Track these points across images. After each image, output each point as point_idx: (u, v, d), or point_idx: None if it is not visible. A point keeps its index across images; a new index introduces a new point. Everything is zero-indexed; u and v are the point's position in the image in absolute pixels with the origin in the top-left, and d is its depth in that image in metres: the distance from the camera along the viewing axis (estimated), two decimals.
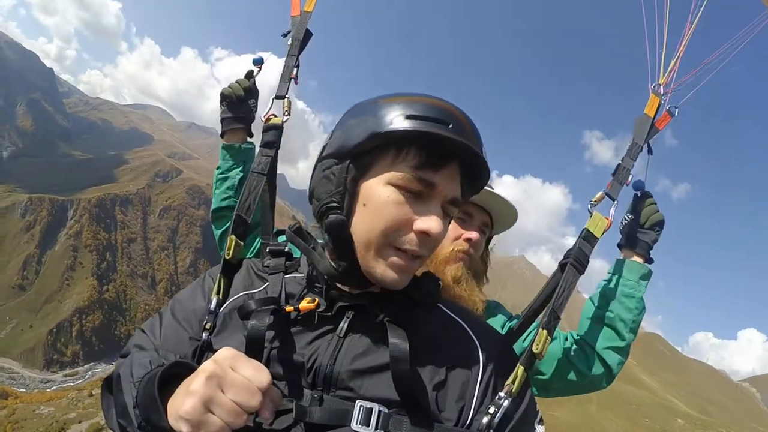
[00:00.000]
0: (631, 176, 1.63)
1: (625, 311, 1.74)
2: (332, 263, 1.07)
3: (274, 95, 1.63)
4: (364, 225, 1.00)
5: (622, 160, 1.65)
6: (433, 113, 0.96)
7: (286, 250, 1.24)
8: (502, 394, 1.07)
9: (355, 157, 1.01)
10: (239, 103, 1.95)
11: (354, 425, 0.94)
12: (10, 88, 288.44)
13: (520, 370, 1.13)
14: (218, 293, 1.18)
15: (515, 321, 1.74)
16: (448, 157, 0.99)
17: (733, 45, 1.75)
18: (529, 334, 1.66)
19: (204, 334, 1.11)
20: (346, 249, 1.02)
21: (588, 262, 1.44)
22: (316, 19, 1.75)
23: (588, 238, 1.48)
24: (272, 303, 1.05)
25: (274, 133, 1.52)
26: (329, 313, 1.07)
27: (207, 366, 0.85)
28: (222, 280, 1.21)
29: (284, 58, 1.70)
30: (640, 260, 1.78)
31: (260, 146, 1.52)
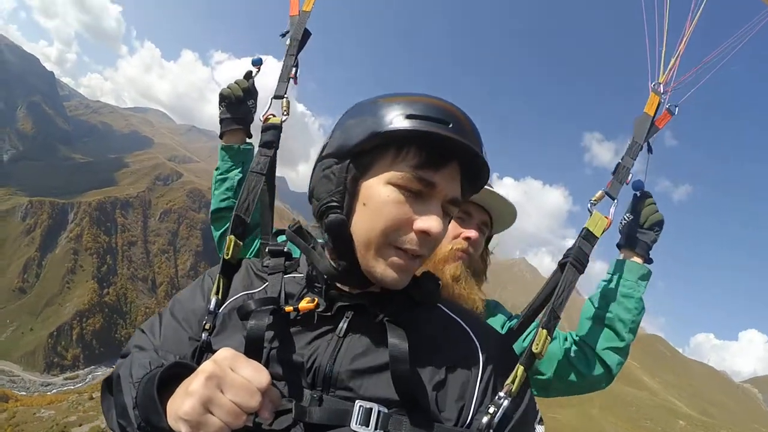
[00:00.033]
0: (631, 175, 1.63)
1: (624, 312, 1.74)
2: (332, 263, 1.07)
3: (272, 95, 1.63)
4: (364, 224, 1.00)
5: (622, 159, 1.65)
6: (433, 113, 0.96)
7: (285, 250, 1.24)
8: (501, 393, 1.07)
9: (355, 156, 1.00)
10: (238, 103, 1.95)
11: (353, 425, 0.94)
12: (11, 91, 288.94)
13: (520, 370, 1.13)
14: (217, 293, 1.18)
15: (515, 321, 1.73)
16: (448, 157, 0.99)
17: (733, 43, 1.75)
18: (528, 333, 1.66)
19: (203, 335, 1.11)
20: (346, 248, 1.02)
21: (588, 261, 1.44)
22: (315, 19, 1.75)
23: (588, 238, 1.48)
24: (271, 303, 1.05)
25: (273, 132, 1.53)
26: (329, 313, 1.06)
27: (206, 366, 0.85)
28: (221, 281, 1.21)
29: (283, 60, 1.70)
30: (639, 260, 1.78)
31: (259, 146, 1.52)
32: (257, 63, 1.96)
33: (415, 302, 1.12)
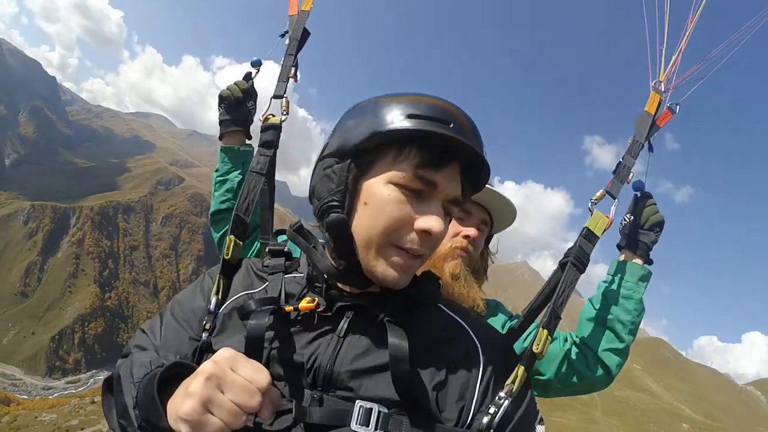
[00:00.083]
0: (632, 174, 1.62)
1: (624, 313, 1.73)
2: (333, 262, 1.07)
3: (272, 95, 1.62)
4: (365, 224, 0.99)
5: (622, 158, 1.64)
6: (434, 113, 0.96)
7: (285, 249, 1.24)
8: (502, 394, 1.06)
9: (356, 155, 1.00)
10: (238, 105, 1.94)
11: (354, 425, 0.93)
12: (13, 96, 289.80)
13: (520, 370, 1.13)
14: (217, 293, 1.18)
15: (516, 320, 1.73)
16: (449, 157, 0.99)
17: (736, 40, 1.73)
18: (529, 333, 1.65)
19: (204, 335, 1.11)
20: (346, 248, 1.02)
21: (588, 260, 1.42)
22: (317, 24, 1.74)
23: (589, 237, 1.47)
24: (272, 303, 1.05)
25: (273, 132, 1.52)
26: (329, 313, 1.06)
27: (206, 366, 0.84)
28: (221, 281, 1.21)
29: (282, 60, 1.70)
30: (639, 261, 1.77)
31: (258, 146, 1.51)
32: (256, 64, 1.95)
33: (415, 302, 1.11)
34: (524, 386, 1.12)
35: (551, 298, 1.35)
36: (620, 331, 1.73)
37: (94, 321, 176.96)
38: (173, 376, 0.92)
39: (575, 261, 1.40)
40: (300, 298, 1.09)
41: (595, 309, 1.79)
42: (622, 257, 1.82)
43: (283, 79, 1.65)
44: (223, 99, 1.94)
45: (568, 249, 1.45)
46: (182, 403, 0.82)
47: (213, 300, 1.17)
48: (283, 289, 1.12)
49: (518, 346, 1.63)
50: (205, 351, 1.10)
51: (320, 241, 1.13)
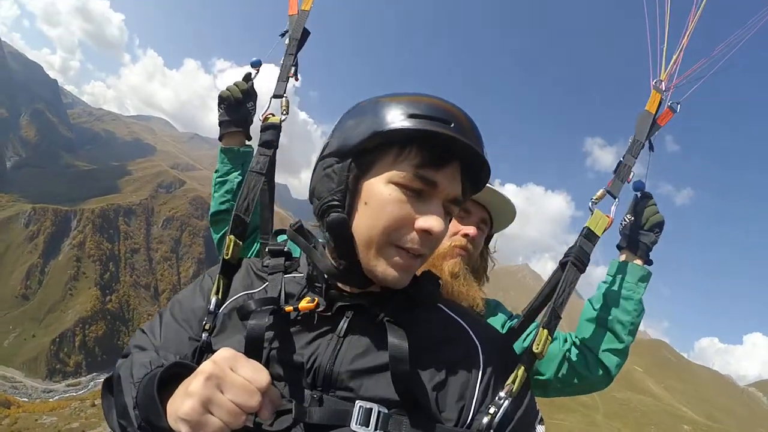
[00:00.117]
0: (632, 173, 1.62)
1: (623, 313, 1.72)
2: (333, 262, 1.07)
3: (272, 94, 1.62)
4: (365, 223, 0.99)
5: (623, 158, 1.64)
6: (435, 112, 0.96)
7: (285, 249, 1.24)
8: (502, 394, 1.06)
9: (356, 155, 1.01)
10: (237, 105, 1.93)
11: (353, 425, 0.93)
12: (14, 99, 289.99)
13: (520, 370, 1.13)
14: (217, 293, 1.18)
15: (516, 320, 1.73)
16: (449, 156, 0.99)
17: (737, 39, 1.73)
18: (529, 333, 1.65)
19: (203, 335, 1.11)
20: (347, 247, 1.02)
21: (589, 260, 1.42)
22: (315, 20, 1.75)
23: (589, 237, 1.46)
24: (271, 303, 1.05)
25: (272, 132, 1.52)
26: (329, 313, 1.06)
27: (206, 366, 0.84)
28: (221, 280, 1.21)
29: (282, 59, 1.70)
30: (639, 262, 1.76)
31: (258, 145, 1.51)
32: (256, 64, 1.93)
33: (415, 302, 1.11)
34: (524, 386, 1.12)
35: (551, 297, 1.34)
36: (620, 332, 1.72)
37: (95, 324, 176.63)
38: (173, 376, 0.92)
39: (575, 260, 1.39)
40: (300, 298, 1.09)
41: (594, 309, 1.78)
42: (622, 258, 1.81)
43: (283, 78, 1.64)
44: (222, 100, 1.93)
45: (569, 248, 1.45)
46: (182, 403, 0.82)
47: (213, 300, 1.17)
48: (282, 289, 1.12)
49: (518, 346, 1.62)
50: (204, 351, 1.10)
51: (320, 241, 1.13)
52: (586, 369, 1.75)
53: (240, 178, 1.98)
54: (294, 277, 1.17)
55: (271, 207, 1.62)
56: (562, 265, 1.42)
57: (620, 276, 1.77)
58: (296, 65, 1.68)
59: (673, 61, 1.74)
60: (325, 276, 1.08)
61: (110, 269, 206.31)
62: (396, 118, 0.96)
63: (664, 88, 1.72)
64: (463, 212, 1.91)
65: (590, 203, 1.54)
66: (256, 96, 1.97)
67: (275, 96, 1.61)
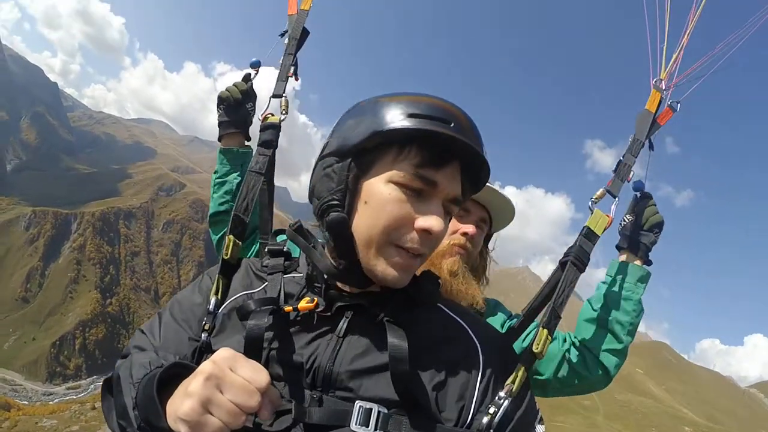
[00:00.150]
0: (632, 172, 1.61)
1: (622, 314, 1.72)
2: (332, 262, 1.07)
3: (271, 94, 1.62)
4: (365, 223, 0.99)
5: (623, 157, 1.64)
6: (435, 112, 0.96)
7: (284, 249, 1.23)
8: (502, 394, 1.06)
9: (356, 155, 1.00)
10: (237, 106, 1.92)
11: (353, 426, 0.93)
12: (15, 102, 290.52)
13: (520, 369, 1.12)
14: (216, 293, 1.18)
15: (515, 320, 1.73)
16: (449, 156, 0.99)
17: (737, 37, 1.73)
18: (528, 333, 1.66)
19: (203, 335, 1.11)
20: (346, 247, 1.02)
21: (589, 259, 1.42)
22: (316, 20, 1.74)
23: (589, 236, 1.46)
24: (271, 303, 1.05)
25: (272, 132, 1.51)
26: (328, 313, 1.06)
27: (205, 367, 0.84)
28: (220, 280, 1.20)
29: (281, 59, 1.69)
30: (638, 262, 1.76)
31: (257, 145, 1.50)
32: (255, 65, 1.92)
33: (415, 302, 1.11)
34: (524, 386, 1.12)
35: (551, 297, 1.34)
36: (619, 332, 1.72)
37: (95, 327, 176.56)
38: (173, 376, 0.92)
39: (575, 260, 1.39)
40: (299, 298, 1.09)
41: (593, 309, 1.78)
42: (621, 258, 1.81)
43: (282, 78, 1.64)
44: (222, 100, 1.92)
45: (569, 248, 1.45)
46: (181, 403, 0.82)
47: (212, 300, 1.16)
48: (282, 289, 1.12)
49: (517, 346, 1.62)
50: (204, 351, 1.10)
51: (320, 240, 1.13)
52: (585, 369, 1.75)
53: (239, 179, 1.97)
54: (293, 277, 1.17)
55: (271, 207, 1.62)
56: (562, 264, 1.42)
57: (620, 276, 1.76)
58: (296, 65, 1.68)
59: (673, 60, 1.74)
60: (325, 276, 1.08)
61: (110, 272, 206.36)
62: (396, 117, 0.96)
63: (664, 87, 1.72)
64: (462, 211, 1.91)
65: (590, 202, 1.54)
66: (256, 97, 1.96)
67: (274, 96, 1.61)
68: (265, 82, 1.90)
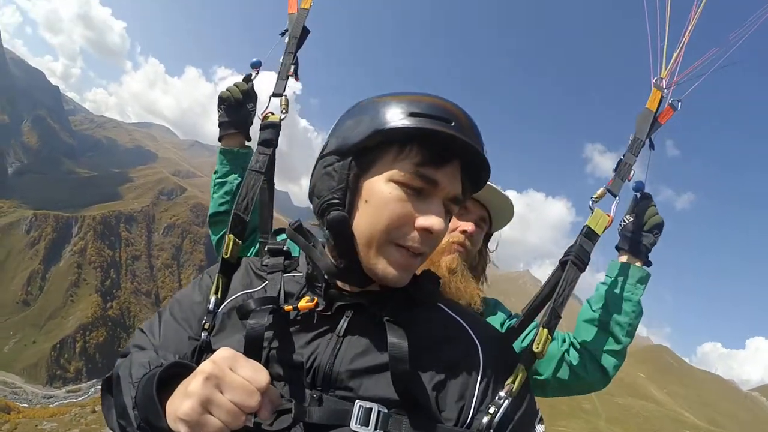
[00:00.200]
0: (633, 171, 1.61)
1: (622, 315, 1.72)
2: (333, 261, 1.07)
3: (271, 93, 1.61)
4: (366, 222, 0.99)
5: (623, 156, 1.63)
6: (435, 111, 0.96)
7: (284, 248, 1.23)
8: (502, 393, 1.06)
9: (357, 154, 1.00)
10: (237, 106, 1.91)
11: (353, 425, 0.93)
12: (16, 105, 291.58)
13: (520, 369, 1.12)
14: (216, 292, 1.17)
15: (515, 319, 1.73)
16: (450, 155, 0.99)
17: (736, 38, 1.73)
18: (528, 333, 1.66)
19: (203, 334, 1.11)
20: (347, 246, 1.02)
21: (589, 259, 1.42)
22: (316, 25, 1.73)
23: (589, 235, 1.46)
24: (271, 302, 1.04)
25: (272, 131, 1.51)
26: (328, 313, 1.06)
27: (205, 366, 0.84)
28: (220, 279, 1.20)
29: (282, 58, 1.69)
30: (638, 263, 1.76)
31: (258, 144, 1.50)
32: (256, 65, 1.91)
33: (415, 301, 1.11)
34: (524, 386, 1.11)
35: (551, 297, 1.33)
36: (618, 333, 1.72)
37: (96, 330, 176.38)
38: (172, 376, 0.92)
39: (575, 260, 1.38)
40: (299, 298, 1.09)
41: (593, 310, 1.78)
42: (621, 259, 1.81)
43: (283, 77, 1.64)
44: (222, 100, 1.91)
45: (569, 247, 1.44)
46: (181, 403, 0.82)
47: (212, 299, 1.16)
48: (282, 288, 1.12)
49: (517, 346, 1.61)
50: (204, 350, 1.09)
51: (320, 239, 1.13)
52: (584, 370, 1.75)
53: (239, 179, 1.96)
54: (293, 276, 1.17)
55: (271, 206, 1.62)
56: (562, 264, 1.41)
57: (619, 277, 1.76)
58: (296, 64, 1.67)
59: (674, 58, 1.73)
60: (325, 275, 1.08)
61: (111, 276, 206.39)
62: (397, 116, 0.96)
63: (664, 86, 1.71)
64: (462, 209, 1.90)
65: (590, 202, 1.53)
66: (256, 97, 1.94)
67: (274, 94, 1.61)
68: (265, 84, 1.88)
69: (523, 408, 1.09)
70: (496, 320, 1.93)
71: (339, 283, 1.09)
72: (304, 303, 1.03)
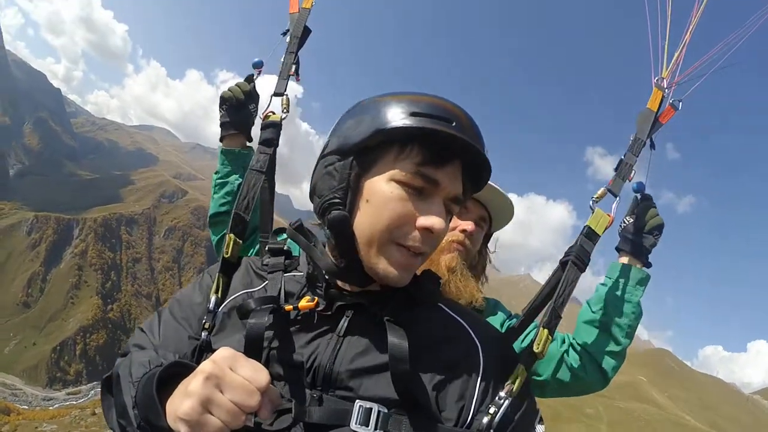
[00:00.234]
0: (633, 171, 1.60)
1: (621, 316, 1.71)
2: (333, 260, 1.07)
3: (272, 92, 1.61)
4: (366, 221, 0.99)
5: (624, 156, 1.62)
6: (436, 111, 0.96)
7: (285, 248, 1.23)
8: (502, 393, 1.06)
9: (358, 153, 1.01)
10: (239, 107, 1.91)
11: (353, 425, 0.93)
12: (18, 107, 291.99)
13: (520, 369, 1.12)
14: (217, 292, 1.17)
15: (515, 320, 1.73)
16: (450, 155, 0.99)
17: (739, 35, 1.72)
18: (528, 333, 1.66)
19: (203, 334, 1.10)
20: (348, 245, 1.02)
21: (589, 259, 1.41)
22: (318, 26, 1.73)
23: (590, 235, 1.45)
24: (271, 302, 1.04)
25: (273, 130, 1.51)
26: (329, 312, 1.06)
27: (205, 366, 0.84)
28: (221, 279, 1.20)
29: (283, 57, 1.69)
30: (638, 265, 1.76)
31: (258, 143, 1.50)
32: (258, 65, 1.90)
33: (415, 301, 1.10)
34: (524, 386, 1.11)
35: (552, 297, 1.33)
36: (617, 334, 1.72)
37: (96, 333, 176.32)
38: (172, 375, 0.92)
39: (576, 260, 1.38)
40: (299, 297, 1.09)
41: (592, 311, 1.78)
42: (621, 260, 1.80)
43: (284, 76, 1.64)
44: (224, 101, 1.91)
45: (569, 247, 1.43)
46: (181, 402, 0.82)
47: (212, 298, 1.16)
48: (282, 287, 1.12)
49: (517, 346, 1.61)
50: (204, 350, 1.09)
51: (320, 239, 1.13)
52: (583, 371, 1.75)
53: (240, 180, 1.95)
54: (294, 275, 1.17)
55: (271, 206, 1.61)
56: (563, 264, 1.41)
57: (620, 278, 1.76)
58: (297, 63, 1.67)
59: (675, 58, 1.73)
60: (326, 275, 1.08)
61: (112, 278, 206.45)
62: (398, 116, 0.96)
63: (665, 86, 1.71)
64: (462, 209, 1.88)
65: (591, 202, 1.53)
66: (258, 98, 1.94)
67: (276, 94, 1.61)
68: (266, 86, 1.88)
69: (524, 408, 1.09)
70: (496, 320, 1.93)
71: (339, 283, 1.09)
72: (304, 303, 1.03)
